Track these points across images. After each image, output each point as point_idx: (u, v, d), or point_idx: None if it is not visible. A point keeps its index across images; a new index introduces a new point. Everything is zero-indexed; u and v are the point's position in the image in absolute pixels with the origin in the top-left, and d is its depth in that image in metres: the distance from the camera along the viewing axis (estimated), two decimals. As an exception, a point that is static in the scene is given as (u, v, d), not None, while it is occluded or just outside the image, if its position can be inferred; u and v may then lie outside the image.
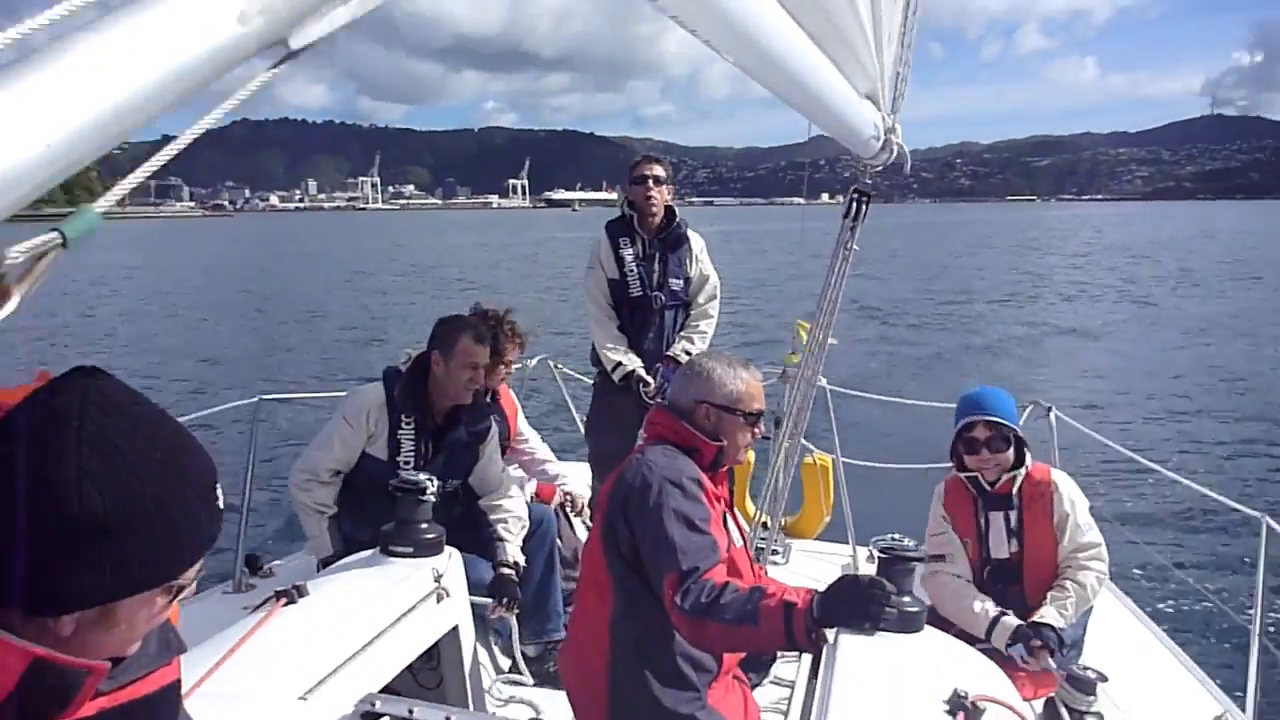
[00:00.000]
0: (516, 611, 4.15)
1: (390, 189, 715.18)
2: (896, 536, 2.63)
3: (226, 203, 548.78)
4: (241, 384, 18.26)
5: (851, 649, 2.43)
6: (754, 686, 3.32)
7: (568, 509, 5.33)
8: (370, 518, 3.79)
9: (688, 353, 5.27)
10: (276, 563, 5.00)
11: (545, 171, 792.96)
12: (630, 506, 2.77)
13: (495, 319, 4.86)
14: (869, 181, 3.61)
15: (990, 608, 3.87)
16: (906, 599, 2.53)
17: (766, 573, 3.52)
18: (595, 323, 5.40)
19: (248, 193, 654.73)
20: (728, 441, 2.98)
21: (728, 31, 1.77)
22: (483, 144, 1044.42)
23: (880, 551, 2.59)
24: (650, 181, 5.32)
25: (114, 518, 1.16)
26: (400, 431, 4.15)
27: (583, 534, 5.39)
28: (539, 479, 5.38)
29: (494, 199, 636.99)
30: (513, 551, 4.23)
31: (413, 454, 4.15)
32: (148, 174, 0.80)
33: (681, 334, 5.41)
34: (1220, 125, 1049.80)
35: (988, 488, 4.04)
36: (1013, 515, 4.02)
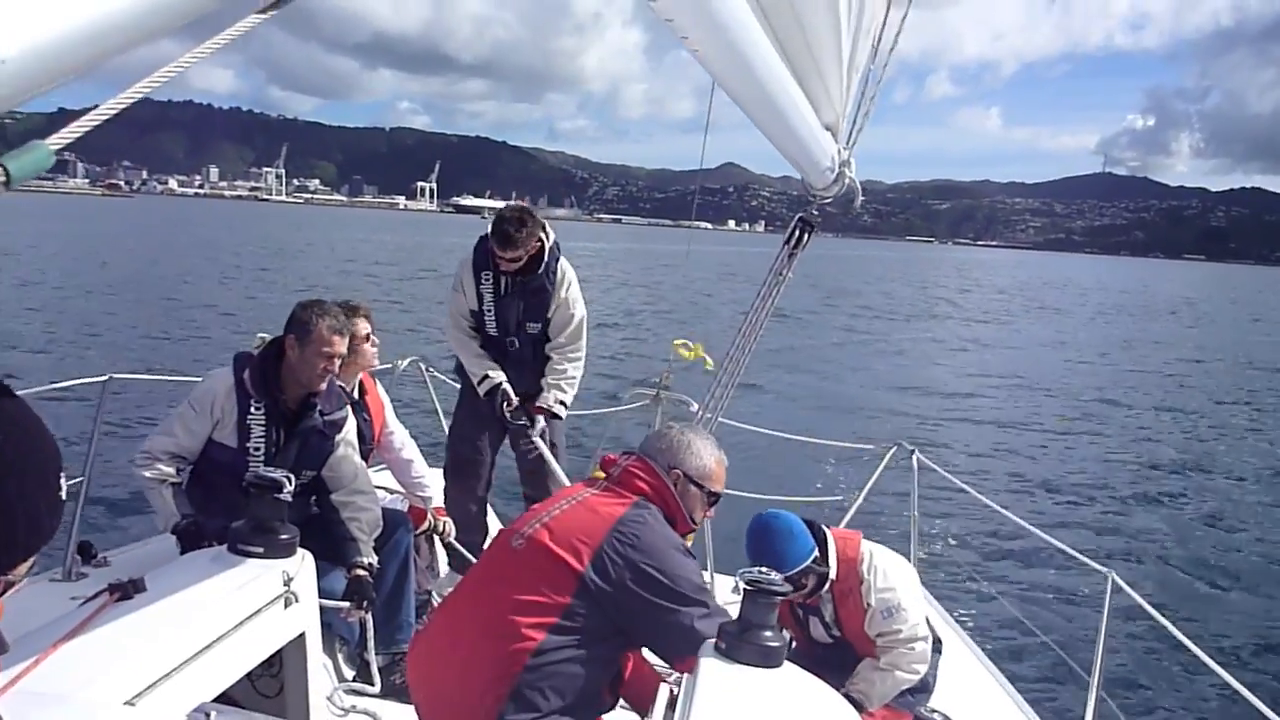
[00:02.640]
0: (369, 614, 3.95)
1: (295, 182, 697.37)
2: (764, 570, 2.56)
3: (123, 183, 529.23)
4: (95, 362, 17.21)
5: (711, 682, 2.39)
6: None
7: (437, 532, 5.19)
8: (220, 509, 3.64)
9: (561, 403, 5.18)
10: (112, 552, 4.65)
11: (455, 177, 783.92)
12: (640, 571, 2.71)
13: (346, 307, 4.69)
14: (815, 213, 3.60)
15: None
16: (768, 633, 2.50)
17: None
18: (456, 342, 5.29)
19: (145, 174, 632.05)
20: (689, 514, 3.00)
21: (715, 43, 1.79)
22: (393, 144, 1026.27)
23: (746, 583, 2.52)
24: (506, 259, 4.99)
25: None
26: (249, 417, 3.97)
27: (444, 557, 5.26)
28: (404, 483, 5.17)
29: (401, 200, 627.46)
30: (367, 552, 4.04)
31: (263, 441, 3.98)
32: (130, 102, 0.80)
33: (550, 381, 5.19)
34: (1111, 183, 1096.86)
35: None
36: (826, 613, 4.14)
